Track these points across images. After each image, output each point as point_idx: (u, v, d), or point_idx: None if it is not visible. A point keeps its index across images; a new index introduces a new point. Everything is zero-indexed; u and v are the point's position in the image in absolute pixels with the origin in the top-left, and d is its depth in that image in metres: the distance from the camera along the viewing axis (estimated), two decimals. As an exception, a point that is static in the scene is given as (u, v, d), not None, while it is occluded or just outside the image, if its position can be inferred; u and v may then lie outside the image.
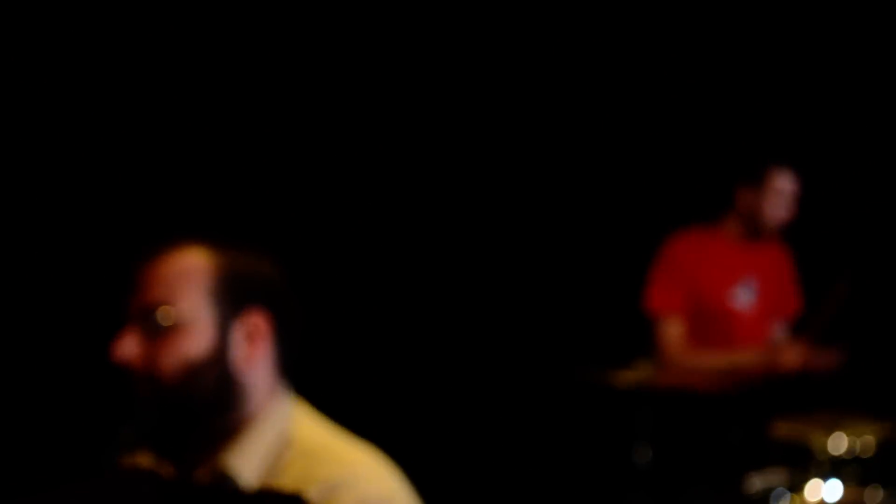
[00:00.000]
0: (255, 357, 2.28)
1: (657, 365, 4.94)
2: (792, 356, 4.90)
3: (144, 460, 2.32)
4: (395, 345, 5.52)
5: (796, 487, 4.41)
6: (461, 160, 5.60)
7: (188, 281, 2.25)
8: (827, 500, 4.42)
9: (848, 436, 4.47)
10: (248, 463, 2.24)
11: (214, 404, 2.24)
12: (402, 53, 5.51)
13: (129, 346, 2.23)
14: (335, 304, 5.19)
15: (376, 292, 5.52)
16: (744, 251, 5.10)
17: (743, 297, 5.10)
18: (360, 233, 5.47)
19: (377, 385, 5.44)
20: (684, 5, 5.67)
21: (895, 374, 4.97)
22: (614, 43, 5.64)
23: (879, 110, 5.72)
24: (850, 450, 4.46)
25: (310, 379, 2.45)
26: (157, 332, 2.23)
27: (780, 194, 4.96)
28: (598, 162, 5.71)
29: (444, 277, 5.63)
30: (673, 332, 5.04)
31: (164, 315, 2.23)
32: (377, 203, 5.51)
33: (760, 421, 4.66)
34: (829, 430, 4.51)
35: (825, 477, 4.41)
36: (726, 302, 5.07)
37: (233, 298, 2.26)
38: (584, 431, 5.54)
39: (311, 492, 2.16)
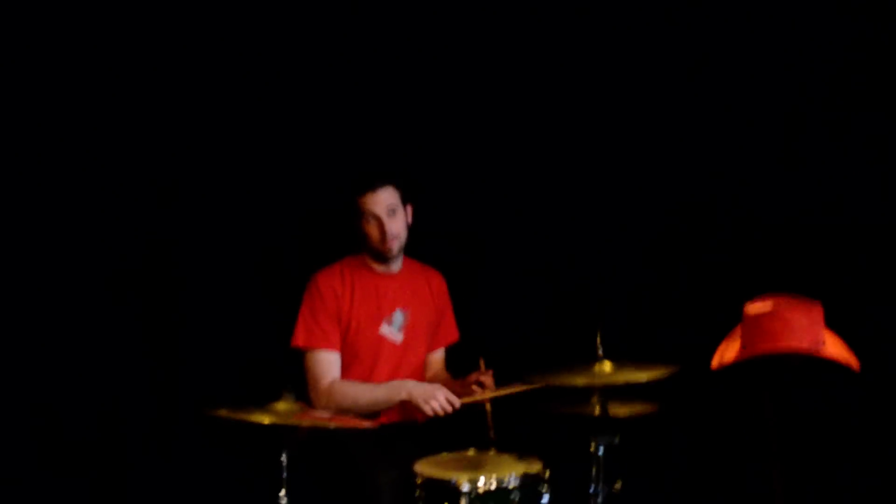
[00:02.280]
0: None
1: (306, 401, 4.88)
2: (437, 402, 4.90)
3: None
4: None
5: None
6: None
7: None
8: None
9: (489, 476, 4.46)
10: None
11: None
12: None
13: None
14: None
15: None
16: (393, 281, 5.13)
17: (392, 327, 5.10)
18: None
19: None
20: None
21: (538, 412, 5.00)
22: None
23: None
24: (492, 490, 4.45)
25: None
26: None
27: (375, 217, 5.00)
28: (240, 199, 5.65)
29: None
30: (323, 366, 5.00)
31: None
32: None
33: (405, 460, 4.63)
34: (474, 471, 4.50)
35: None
36: (375, 333, 5.07)
37: None
38: (228, 472, 5.44)
39: None
